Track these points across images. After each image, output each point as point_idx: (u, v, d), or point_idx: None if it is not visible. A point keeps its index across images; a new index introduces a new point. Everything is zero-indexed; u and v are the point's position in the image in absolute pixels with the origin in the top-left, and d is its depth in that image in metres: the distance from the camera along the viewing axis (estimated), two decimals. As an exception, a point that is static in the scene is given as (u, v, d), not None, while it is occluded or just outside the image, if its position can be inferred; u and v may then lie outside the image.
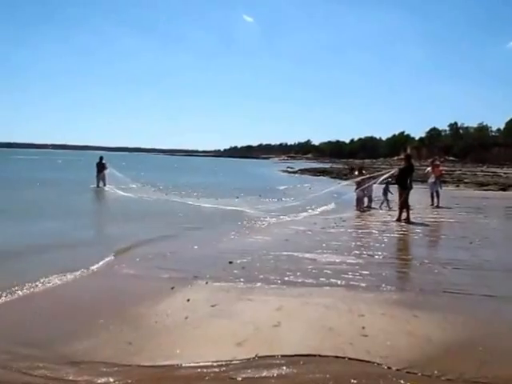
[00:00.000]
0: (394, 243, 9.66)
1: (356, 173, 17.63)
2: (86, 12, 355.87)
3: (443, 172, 19.56)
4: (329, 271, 7.06)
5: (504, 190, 25.76)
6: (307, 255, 8.26)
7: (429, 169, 17.60)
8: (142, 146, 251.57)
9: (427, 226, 12.36)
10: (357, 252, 8.59)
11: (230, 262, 7.71)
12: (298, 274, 6.92)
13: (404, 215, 12.72)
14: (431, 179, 17.14)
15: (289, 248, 8.93)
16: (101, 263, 7.76)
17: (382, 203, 16.24)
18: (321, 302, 5.57)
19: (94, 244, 9.50)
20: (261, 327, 4.70)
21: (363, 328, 4.61)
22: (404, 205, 12.74)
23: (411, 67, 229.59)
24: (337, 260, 7.87)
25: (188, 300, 5.74)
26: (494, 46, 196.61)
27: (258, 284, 6.41)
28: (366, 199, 16.42)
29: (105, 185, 22.06)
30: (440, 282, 6.47)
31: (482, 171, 54.19)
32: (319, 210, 15.47)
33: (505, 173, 48.91)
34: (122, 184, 21.90)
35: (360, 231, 11.32)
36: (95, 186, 21.96)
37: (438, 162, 18.16)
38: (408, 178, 12.97)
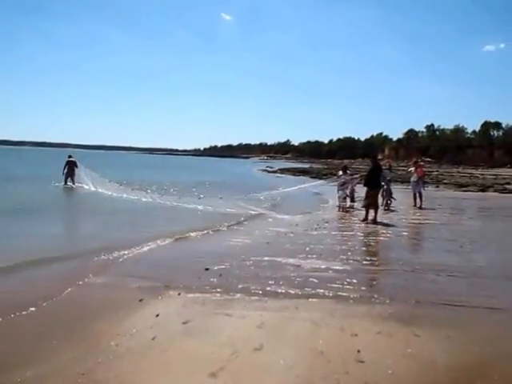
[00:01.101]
0: (382, 247, 9.10)
1: (340, 172, 17.05)
2: (67, 7, 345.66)
3: (426, 172, 19.15)
4: (315, 279, 6.43)
5: (483, 190, 25.67)
6: (290, 261, 7.62)
7: (412, 168, 17.19)
8: (121, 145, 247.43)
9: (413, 228, 11.90)
10: (343, 257, 7.99)
11: (207, 269, 7.04)
12: (281, 282, 6.28)
13: (372, 215, 12.45)
14: (414, 179, 16.74)
15: (270, 252, 8.29)
16: (64, 268, 7.01)
17: (386, 203, 15.81)
18: (308, 317, 4.93)
19: (58, 244, 8.70)
20: (240, 351, 4.03)
21: (358, 352, 3.99)
22: (373, 204, 12.51)
23: (389, 67, 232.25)
24: (322, 266, 7.25)
25: (157, 315, 5.05)
26: (470, 49, 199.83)
27: (237, 295, 5.74)
28: (348, 199, 15.91)
29: (73, 183, 21.35)
30: (436, 292, 5.91)
31: (458, 172, 54.66)
32: (300, 210, 14.87)
33: (481, 174, 49.41)
34: (94, 182, 20.98)
35: (344, 233, 10.74)
36: (63, 183, 21.26)
37: (421, 163, 17.78)
38: (376, 177, 12.82)
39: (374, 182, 12.75)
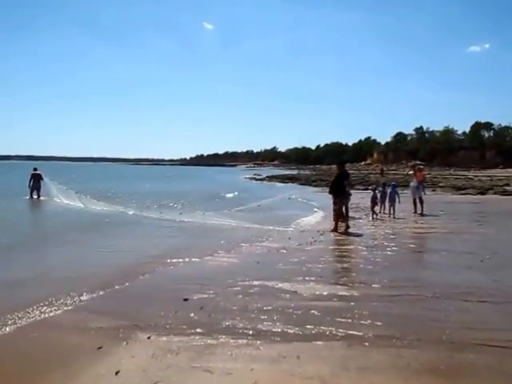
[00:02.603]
0: (390, 264, 7.91)
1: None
2: (50, 21, 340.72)
3: (426, 176, 18.07)
4: (316, 312, 5.23)
5: (482, 193, 24.73)
6: (285, 285, 6.42)
7: (411, 172, 16.10)
8: (108, 156, 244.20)
9: (419, 238, 10.76)
10: (346, 278, 6.82)
11: (185, 299, 5.83)
12: (276, 317, 5.07)
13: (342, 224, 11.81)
14: (413, 183, 15.66)
15: (261, 274, 7.10)
16: (10, 304, 5.75)
17: (391, 209, 14.84)
18: (313, 371, 3.74)
19: (13, 272, 7.39)
20: None
21: None
22: (340, 213, 11.81)
23: (375, 70, 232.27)
24: (324, 292, 6.05)
25: (117, 373, 3.83)
26: (455, 50, 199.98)
27: (222, 338, 4.52)
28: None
29: (39, 196, 20.85)
30: (471, 327, 4.73)
31: (450, 174, 53.97)
32: (292, 221, 13.69)
33: (475, 175, 48.70)
34: (61, 195, 20.38)
35: (343, 247, 9.58)
36: (29, 197, 20.64)
37: (421, 166, 16.73)
38: (342, 184, 11.92)
39: (339, 190, 11.90)
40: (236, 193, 27.42)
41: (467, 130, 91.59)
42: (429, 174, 52.72)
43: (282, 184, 40.57)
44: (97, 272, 7.35)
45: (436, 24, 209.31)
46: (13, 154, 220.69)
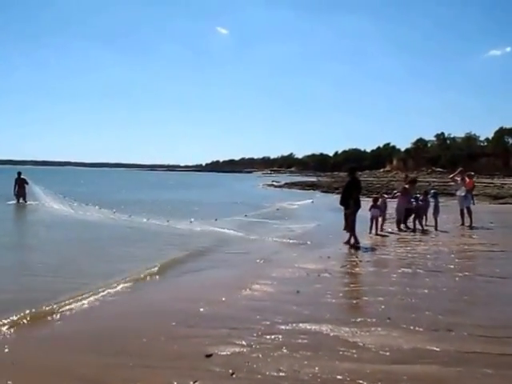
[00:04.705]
0: (471, 299, 6.05)
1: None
2: (45, 26, 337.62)
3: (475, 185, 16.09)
4: (406, 386, 3.49)
5: (524, 203, 22.62)
6: (343, 332, 4.69)
7: (457, 179, 14.22)
8: (123, 162, 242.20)
9: (485, 258, 8.87)
10: (423, 321, 5.04)
11: (208, 356, 4.14)
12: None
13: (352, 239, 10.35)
14: (460, 192, 13.77)
15: (306, 312, 5.39)
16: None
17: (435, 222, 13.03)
18: None
19: None
20: None
21: None
22: (349, 226, 10.41)
23: (391, 78, 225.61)
24: (403, 346, 4.30)
25: None
26: (475, 55, 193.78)
27: None
28: (380, 219, 12.92)
29: (25, 201, 20.45)
30: None
31: (476, 182, 51.45)
32: (325, 236, 11.93)
33: (502, 183, 46.24)
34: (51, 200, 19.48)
35: (399, 271, 7.75)
36: (15, 201, 20.29)
37: (471, 173, 14.82)
38: (352, 194, 10.35)
39: (347, 200, 10.41)
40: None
41: (490, 136, 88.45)
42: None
43: (302, 191, 38.61)
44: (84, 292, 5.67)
45: (454, 29, 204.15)
46: (27, 159, 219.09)
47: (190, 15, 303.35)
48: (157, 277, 7.35)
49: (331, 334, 4.67)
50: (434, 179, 55.75)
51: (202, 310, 5.54)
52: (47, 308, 5.47)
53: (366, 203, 18.50)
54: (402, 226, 12.91)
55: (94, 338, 4.69)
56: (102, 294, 6.19)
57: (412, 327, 4.83)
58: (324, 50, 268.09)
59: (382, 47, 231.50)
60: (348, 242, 10.33)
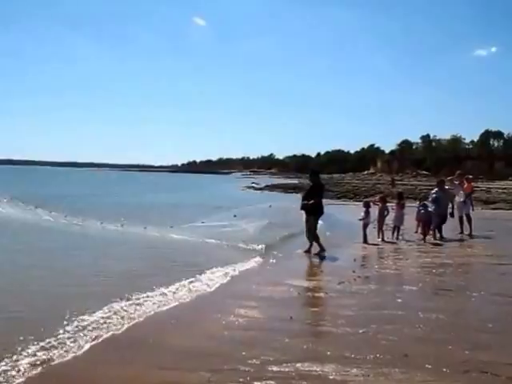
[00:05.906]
0: (498, 326, 5.18)
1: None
2: (32, 18, 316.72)
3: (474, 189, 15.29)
4: None
5: (516, 208, 22.03)
6: (351, 376, 3.77)
7: (456, 182, 13.41)
8: (95, 161, 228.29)
9: (500, 274, 7.95)
10: (453, 357, 4.12)
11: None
12: None
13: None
14: (459, 198, 12.94)
15: (301, 345, 4.49)
16: None
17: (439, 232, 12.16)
18: None
19: None
20: None
21: None
22: (311, 234, 9.71)
23: (376, 74, 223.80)
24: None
25: None
26: (460, 54, 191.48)
27: None
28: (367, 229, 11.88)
29: None
30: None
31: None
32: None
33: (487, 187, 45.86)
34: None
35: (407, 288, 6.82)
36: None
37: (470, 176, 14.05)
38: (314, 199, 9.58)
39: (313, 205, 9.61)
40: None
41: (476, 138, 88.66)
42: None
43: (284, 194, 37.24)
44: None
45: (439, 28, 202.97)
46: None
47: (167, 4, 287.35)
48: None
49: (338, 379, 3.74)
50: (420, 182, 55.14)
51: (174, 343, 4.55)
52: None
53: (356, 208, 17.81)
54: (438, 235, 12.00)
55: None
56: None
57: (436, 367, 3.91)
58: (306, 43, 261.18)
59: (367, 42, 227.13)
60: (308, 251, 9.61)
